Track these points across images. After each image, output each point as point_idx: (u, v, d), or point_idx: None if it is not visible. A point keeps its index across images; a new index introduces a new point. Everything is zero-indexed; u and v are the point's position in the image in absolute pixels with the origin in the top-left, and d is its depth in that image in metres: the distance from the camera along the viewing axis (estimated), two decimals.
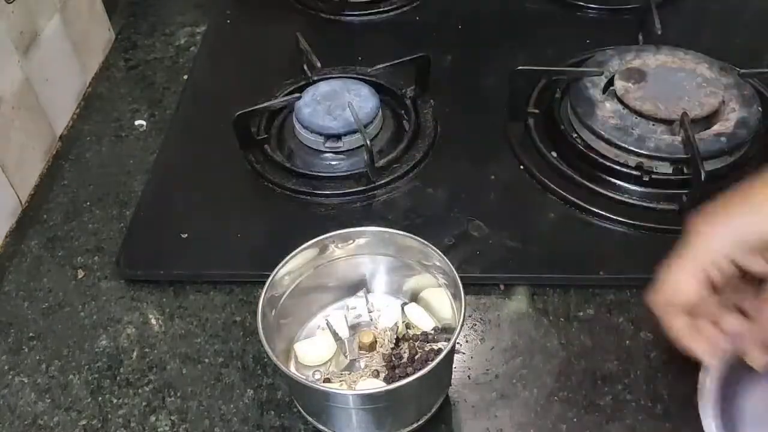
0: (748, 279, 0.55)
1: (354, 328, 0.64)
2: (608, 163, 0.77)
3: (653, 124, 0.77)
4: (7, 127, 0.78)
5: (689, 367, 0.63)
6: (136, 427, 0.62)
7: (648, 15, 0.91)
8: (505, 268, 0.70)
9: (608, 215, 0.74)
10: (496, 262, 0.71)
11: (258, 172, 0.80)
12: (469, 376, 0.63)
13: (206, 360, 0.66)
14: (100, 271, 0.74)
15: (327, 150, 0.81)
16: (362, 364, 0.62)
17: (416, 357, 0.60)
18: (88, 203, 0.81)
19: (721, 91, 0.79)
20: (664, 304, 0.56)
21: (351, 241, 0.64)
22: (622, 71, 0.82)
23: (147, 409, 0.63)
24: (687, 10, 1.01)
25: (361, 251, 0.64)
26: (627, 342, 0.65)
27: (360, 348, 0.62)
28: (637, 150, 0.75)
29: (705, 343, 0.55)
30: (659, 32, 0.88)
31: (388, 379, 0.60)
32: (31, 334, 0.69)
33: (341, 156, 0.81)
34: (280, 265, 0.60)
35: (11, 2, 0.79)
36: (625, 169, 0.76)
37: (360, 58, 0.93)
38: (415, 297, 0.66)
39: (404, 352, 0.61)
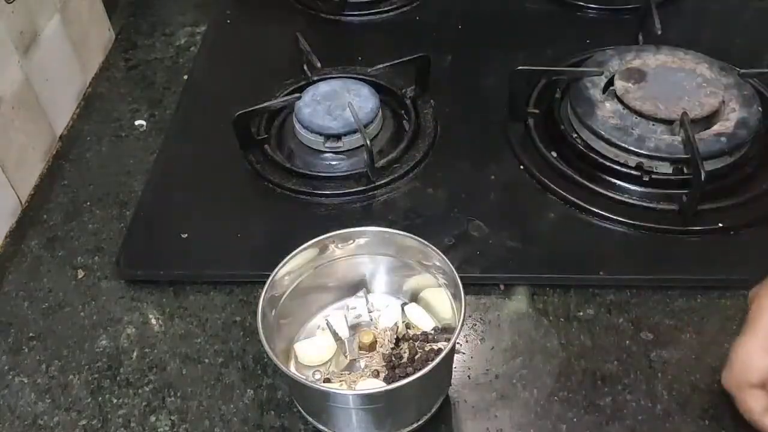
0: None
1: (354, 328, 0.64)
2: (608, 163, 0.77)
3: (653, 124, 0.77)
4: (7, 127, 0.78)
5: (689, 367, 0.63)
6: (136, 427, 0.62)
7: (648, 15, 0.91)
8: (505, 268, 0.70)
9: (608, 215, 0.74)
10: (496, 262, 0.71)
11: (258, 172, 0.80)
12: (469, 376, 0.63)
13: (206, 360, 0.66)
14: (100, 271, 0.74)
15: (327, 150, 0.81)
16: (362, 364, 0.62)
17: (416, 357, 0.60)
18: (88, 203, 0.81)
19: (721, 91, 0.79)
20: (737, 384, 0.55)
21: (351, 241, 0.64)
22: (622, 71, 0.82)
23: (147, 409, 0.63)
24: (687, 10, 1.01)
25: (361, 251, 0.64)
26: (627, 342, 0.65)
27: (360, 348, 0.62)
28: (637, 150, 0.75)
29: None
30: (659, 32, 0.88)
31: (388, 379, 0.60)
32: (31, 334, 0.69)
33: (341, 156, 0.81)
34: (280, 265, 0.60)
35: (11, 2, 0.79)
36: (625, 169, 0.76)
37: (360, 58, 0.93)
38: (415, 297, 0.66)
39: (404, 352, 0.61)
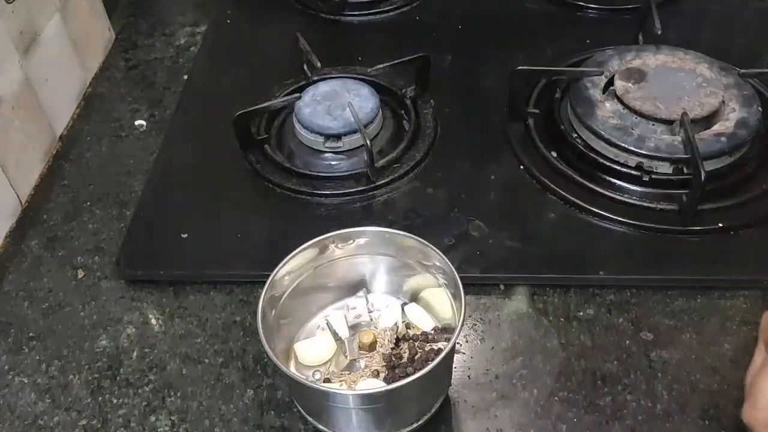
0: None
1: (354, 328, 0.64)
2: (608, 163, 0.77)
3: (653, 124, 0.77)
4: (7, 127, 0.78)
5: (689, 367, 0.63)
6: (136, 427, 0.62)
7: (648, 15, 0.91)
8: (505, 268, 0.70)
9: (608, 215, 0.74)
10: (496, 262, 0.71)
11: (258, 172, 0.80)
12: (469, 376, 0.63)
13: (206, 360, 0.66)
14: (100, 271, 0.74)
15: (327, 150, 0.81)
16: (362, 364, 0.62)
17: (416, 357, 0.60)
18: (88, 203, 0.81)
19: (721, 91, 0.79)
20: (765, 421, 0.52)
21: (351, 241, 0.64)
22: (622, 71, 0.82)
23: (147, 409, 0.63)
24: (687, 10, 1.01)
25: (361, 251, 0.64)
26: (627, 342, 0.65)
27: (360, 348, 0.62)
28: (637, 150, 0.75)
29: None
30: (659, 32, 0.88)
31: (388, 379, 0.60)
32: (31, 334, 0.69)
33: (341, 156, 0.81)
34: (280, 265, 0.60)
35: (11, 2, 0.79)
36: (625, 169, 0.76)
37: (360, 58, 0.93)
38: (415, 297, 0.66)
39: (404, 352, 0.61)
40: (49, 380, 0.65)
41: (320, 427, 0.59)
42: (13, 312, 0.71)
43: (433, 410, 0.59)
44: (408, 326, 0.64)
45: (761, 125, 0.77)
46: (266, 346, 0.55)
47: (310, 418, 0.60)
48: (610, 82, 0.82)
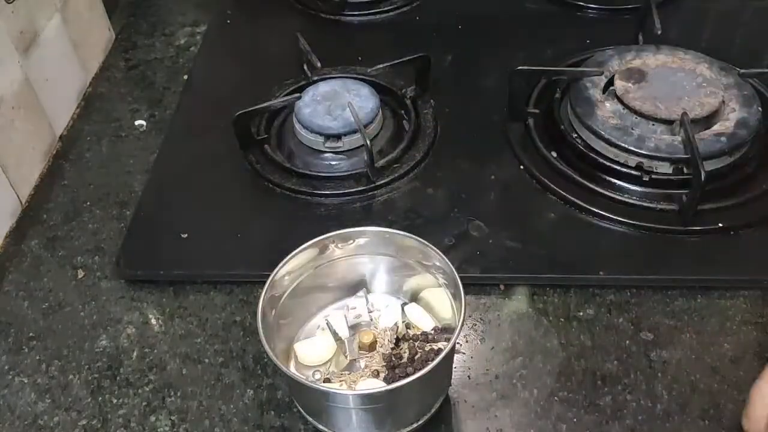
0: None
1: (354, 328, 0.64)
2: (608, 163, 0.77)
3: (653, 124, 0.77)
4: (7, 127, 0.78)
5: (689, 367, 0.63)
6: (136, 427, 0.62)
7: (648, 15, 0.91)
8: (505, 268, 0.70)
9: (608, 215, 0.74)
10: (496, 262, 0.71)
11: (258, 172, 0.80)
12: (469, 376, 0.63)
13: (206, 360, 0.66)
14: (100, 271, 0.74)
15: (327, 150, 0.81)
16: (362, 364, 0.62)
17: (416, 357, 0.60)
18: (88, 203, 0.81)
19: (721, 91, 0.79)
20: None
21: (351, 241, 0.64)
22: (622, 71, 0.82)
23: (147, 409, 0.63)
24: (687, 10, 1.01)
25: (361, 251, 0.64)
26: (627, 342, 0.65)
27: (360, 348, 0.62)
28: (637, 150, 0.75)
29: None
30: (659, 32, 0.88)
31: (388, 379, 0.60)
32: (31, 334, 0.69)
33: (341, 156, 0.81)
34: (280, 265, 0.60)
35: (11, 2, 0.79)
36: (625, 169, 0.76)
37: (360, 58, 0.93)
38: (415, 297, 0.66)
39: (404, 352, 0.61)
40: (49, 380, 0.65)
41: (320, 427, 0.59)
42: (13, 312, 0.71)
43: (433, 410, 0.59)
44: (408, 326, 0.64)
45: (761, 125, 0.77)
46: (266, 346, 0.55)
47: (310, 418, 0.60)
48: (610, 82, 0.82)
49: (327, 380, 0.61)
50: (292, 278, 0.62)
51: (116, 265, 0.73)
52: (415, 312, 0.64)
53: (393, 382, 0.57)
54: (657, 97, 0.78)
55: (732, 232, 0.72)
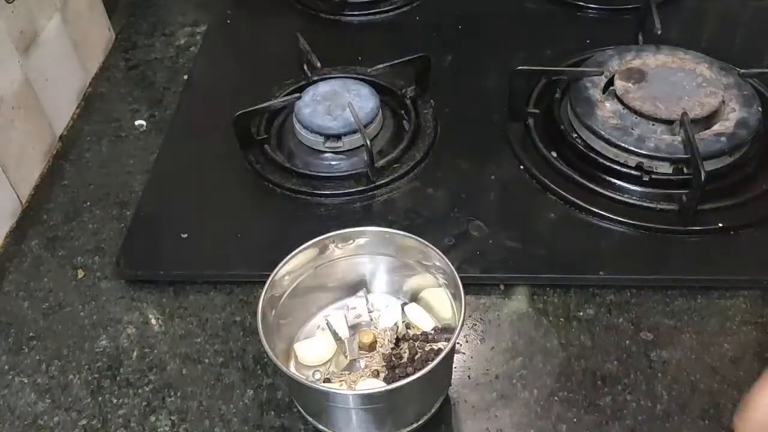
0: None
1: (354, 328, 0.64)
2: (608, 163, 0.77)
3: (653, 124, 0.77)
4: (7, 127, 0.78)
5: (689, 367, 0.63)
6: (136, 427, 0.62)
7: (648, 15, 0.91)
8: (505, 268, 0.70)
9: (608, 215, 0.74)
10: (496, 262, 0.71)
11: (258, 172, 0.80)
12: (469, 376, 0.63)
13: (206, 360, 0.66)
14: (100, 271, 0.74)
15: (327, 150, 0.81)
16: (362, 364, 0.62)
17: (416, 357, 0.60)
18: (88, 203, 0.81)
19: (721, 91, 0.79)
20: (761, 429, 0.52)
21: (351, 241, 0.64)
22: (622, 71, 0.82)
23: (147, 409, 0.63)
24: (687, 10, 1.01)
25: (361, 251, 0.64)
26: (627, 342, 0.65)
27: (360, 348, 0.62)
28: (637, 150, 0.75)
29: None
30: (659, 32, 0.88)
31: (388, 379, 0.60)
32: (31, 334, 0.69)
33: (341, 156, 0.81)
34: (280, 265, 0.61)
35: (11, 2, 0.79)
36: (625, 169, 0.76)
37: (360, 58, 0.93)
38: (415, 297, 0.66)
39: (404, 352, 0.61)
40: (49, 380, 0.65)
41: (320, 427, 0.59)
42: (13, 312, 0.71)
43: (433, 410, 0.59)
44: (408, 326, 0.64)
45: (761, 125, 0.77)
46: (266, 346, 0.55)
47: (310, 418, 0.60)
48: (610, 82, 0.82)
49: (327, 380, 0.61)
50: (292, 278, 0.62)
51: (116, 265, 0.73)
52: (415, 312, 0.64)
53: (393, 382, 0.57)
54: (657, 97, 0.78)
55: (732, 232, 0.72)
